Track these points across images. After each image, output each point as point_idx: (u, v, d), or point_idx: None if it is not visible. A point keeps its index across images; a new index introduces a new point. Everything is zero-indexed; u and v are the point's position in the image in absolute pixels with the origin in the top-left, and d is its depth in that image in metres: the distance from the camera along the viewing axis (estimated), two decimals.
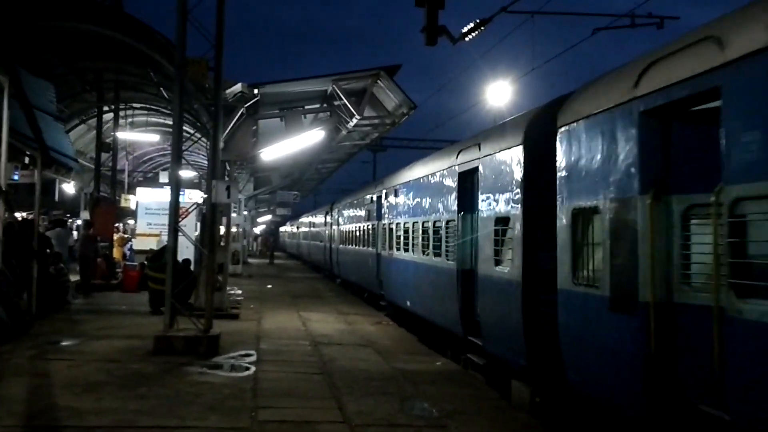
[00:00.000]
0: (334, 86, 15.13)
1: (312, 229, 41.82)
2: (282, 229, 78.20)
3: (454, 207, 10.80)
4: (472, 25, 10.82)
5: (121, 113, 22.66)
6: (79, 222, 25.83)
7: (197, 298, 13.54)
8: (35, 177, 13.03)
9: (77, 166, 15.39)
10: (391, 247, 15.89)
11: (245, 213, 35.94)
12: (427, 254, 12.40)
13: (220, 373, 9.14)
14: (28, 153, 13.00)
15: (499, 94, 24.25)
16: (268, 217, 62.73)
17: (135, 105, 23.34)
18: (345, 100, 15.49)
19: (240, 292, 19.85)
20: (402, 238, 14.66)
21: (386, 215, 16.82)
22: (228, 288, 15.92)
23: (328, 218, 30.94)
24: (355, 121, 16.18)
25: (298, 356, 10.70)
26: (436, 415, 7.49)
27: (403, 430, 6.96)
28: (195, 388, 8.16)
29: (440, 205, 11.74)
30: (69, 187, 26.79)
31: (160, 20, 14.94)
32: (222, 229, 21.91)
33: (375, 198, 18.54)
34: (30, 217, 17.18)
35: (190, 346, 10.26)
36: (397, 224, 15.29)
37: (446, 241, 11.23)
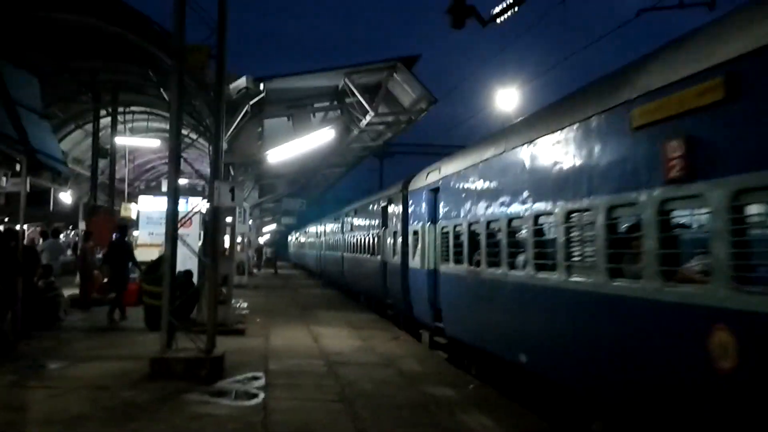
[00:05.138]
0: (346, 80, 13.94)
1: (347, 235, 26.25)
2: (291, 237, 73.68)
3: None
4: (504, 5, 9.66)
5: (120, 118, 21.54)
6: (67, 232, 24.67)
7: (200, 312, 12.36)
8: (23, 183, 11.87)
9: (66, 170, 14.24)
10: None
11: (250, 222, 34.74)
12: None
13: (224, 401, 7.94)
14: (18, 159, 11.87)
15: (510, 98, 23.19)
16: (273, 226, 61.41)
17: (135, 109, 22.29)
18: (358, 96, 14.30)
19: (246, 305, 18.66)
20: None
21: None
22: (233, 300, 14.74)
23: (394, 209, 16.79)
24: (368, 118, 15.00)
25: (312, 379, 9.48)
26: None
27: None
28: (195, 422, 6.95)
29: None
30: (66, 197, 25.75)
31: (159, 14, 13.86)
32: (227, 238, 20.85)
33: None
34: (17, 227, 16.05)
35: (190, 368, 9.07)
36: None
37: None
